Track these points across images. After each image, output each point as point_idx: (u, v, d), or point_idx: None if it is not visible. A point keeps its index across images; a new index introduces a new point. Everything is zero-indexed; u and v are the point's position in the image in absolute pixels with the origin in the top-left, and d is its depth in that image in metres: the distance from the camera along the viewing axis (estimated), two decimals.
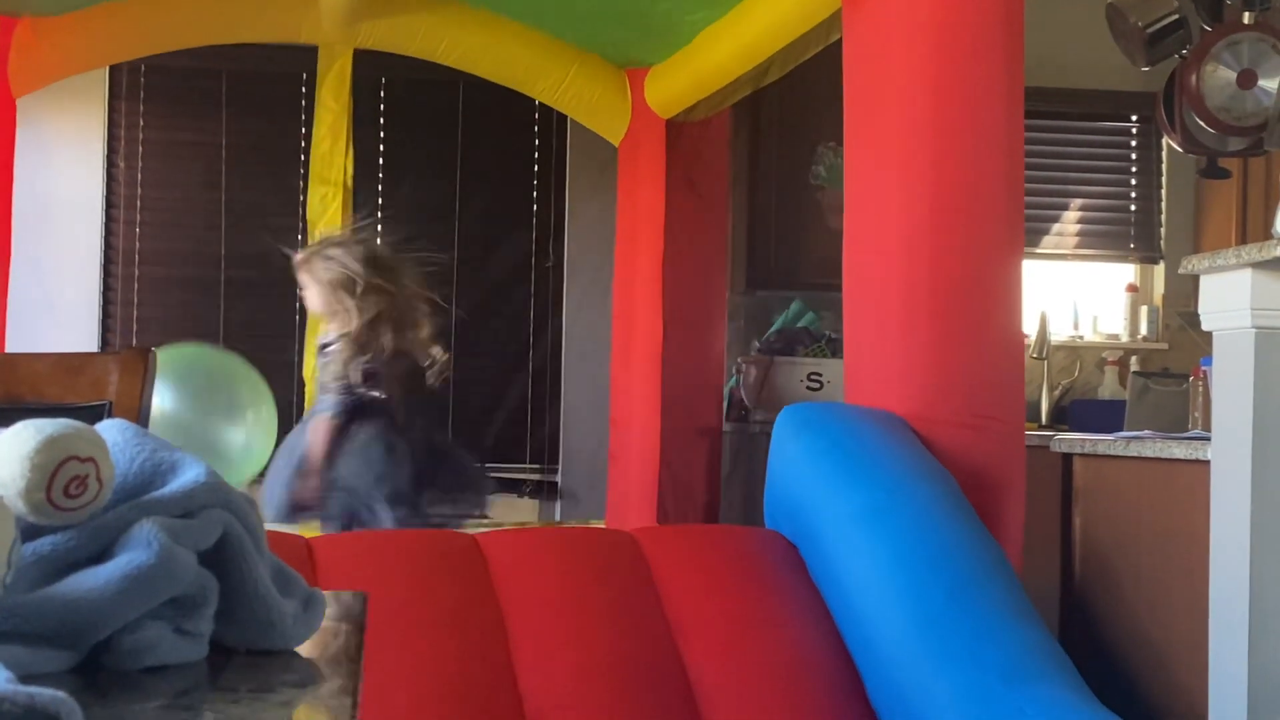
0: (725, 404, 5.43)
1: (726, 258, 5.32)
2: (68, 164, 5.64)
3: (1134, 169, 6.14)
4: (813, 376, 5.24)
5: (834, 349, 5.25)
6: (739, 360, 5.55)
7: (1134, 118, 6.09)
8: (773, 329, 5.64)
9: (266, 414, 4.65)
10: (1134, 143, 6.14)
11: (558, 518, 5.92)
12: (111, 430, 0.96)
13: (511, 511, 5.81)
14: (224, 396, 4.62)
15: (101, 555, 0.87)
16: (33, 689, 0.62)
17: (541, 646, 2.62)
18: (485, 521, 5.62)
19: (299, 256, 4.16)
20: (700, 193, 5.09)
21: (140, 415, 1.64)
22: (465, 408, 5.86)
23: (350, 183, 5.48)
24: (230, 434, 4.58)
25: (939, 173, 2.98)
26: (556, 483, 5.93)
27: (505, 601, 2.69)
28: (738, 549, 2.96)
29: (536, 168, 6.00)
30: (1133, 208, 6.13)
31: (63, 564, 0.86)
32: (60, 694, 0.63)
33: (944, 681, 2.42)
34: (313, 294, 4.12)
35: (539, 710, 2.51)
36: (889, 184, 3.07)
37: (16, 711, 0.61)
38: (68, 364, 1.68)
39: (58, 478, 0.85)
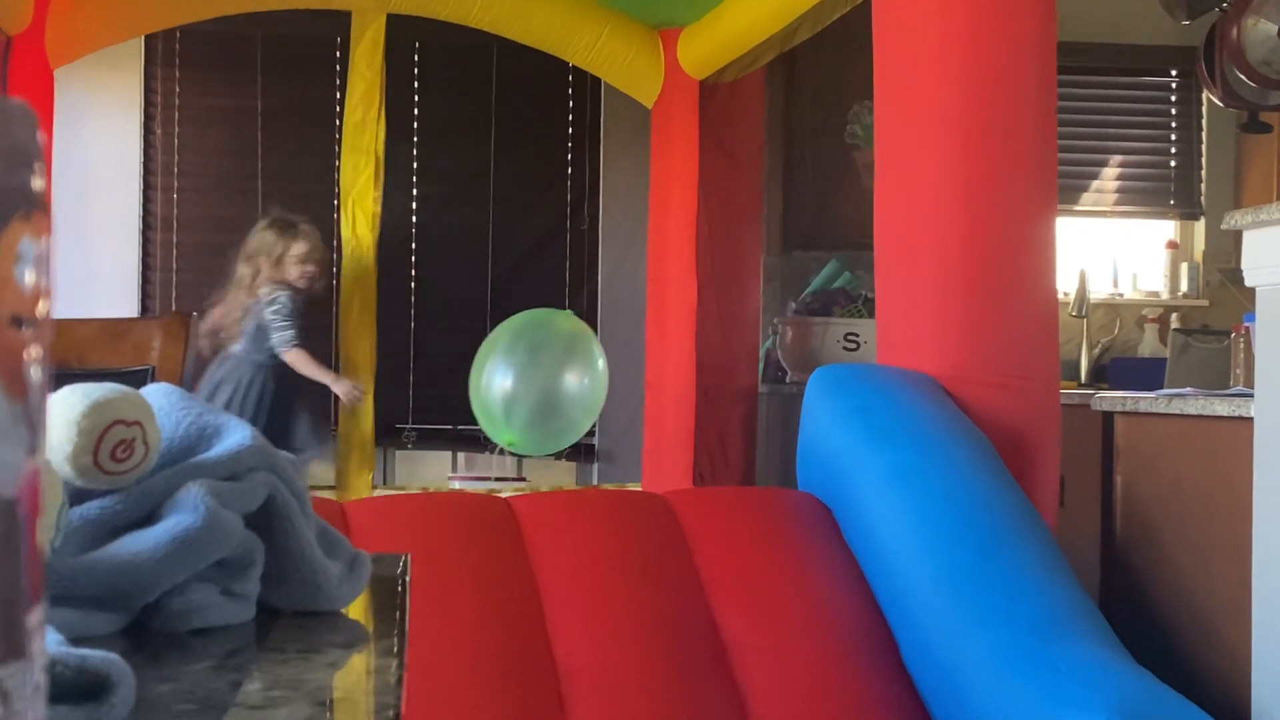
0: (761, 365, 5.42)
1: (761, 218, 5.30)
2: (105, 132, 5.66)
3: (1174, 124, 6.08)
4: (849, 337, 5.22)
5: (870, 309, 5.23)
6: (775, 321, 5.54)
7: (1174, 72, 6.03)
8: (809, 290, 5.62)
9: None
10: (1174, 98, 6.08)
11: (595, 480, 5.93)
12: (156, 394, 0.96)
13: (549, 474, 5.83)
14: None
15: (149, 518, 0.87)
16: (84, 651, 0.63)
17: (574, 608, 2.63)
18: (524, 484, 5.64)
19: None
20: (734, 153, 5.07)
21: (182, 379, 1.65)
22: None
23: (382, 151, 5.49)
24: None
25: (971, 130, 2.96)
26: (593, 445, 5.94)
27: (538, 564, 2.70)
28: (770, 510, 2.96)
29: (570, 131, 5.99)
30: (1172, 163, 6.07)
31: (110, 527, 0.87)
32: (111, 655, 0.63)
33: (976, 639, 2.42)
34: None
35: (572, 671, 2.52)
36: (920, 142, 3.05)
37: (68, 673, 0.62)
38: (110, 329, 1.69)
39: (104, 442, 0.85)
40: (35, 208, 0.34)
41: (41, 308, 0.34)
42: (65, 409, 0.85)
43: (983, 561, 2.51)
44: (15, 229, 0.34)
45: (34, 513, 0.34)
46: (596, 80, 5.68)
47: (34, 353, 0.34)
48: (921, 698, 2.58)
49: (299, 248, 4.90)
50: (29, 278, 0.34)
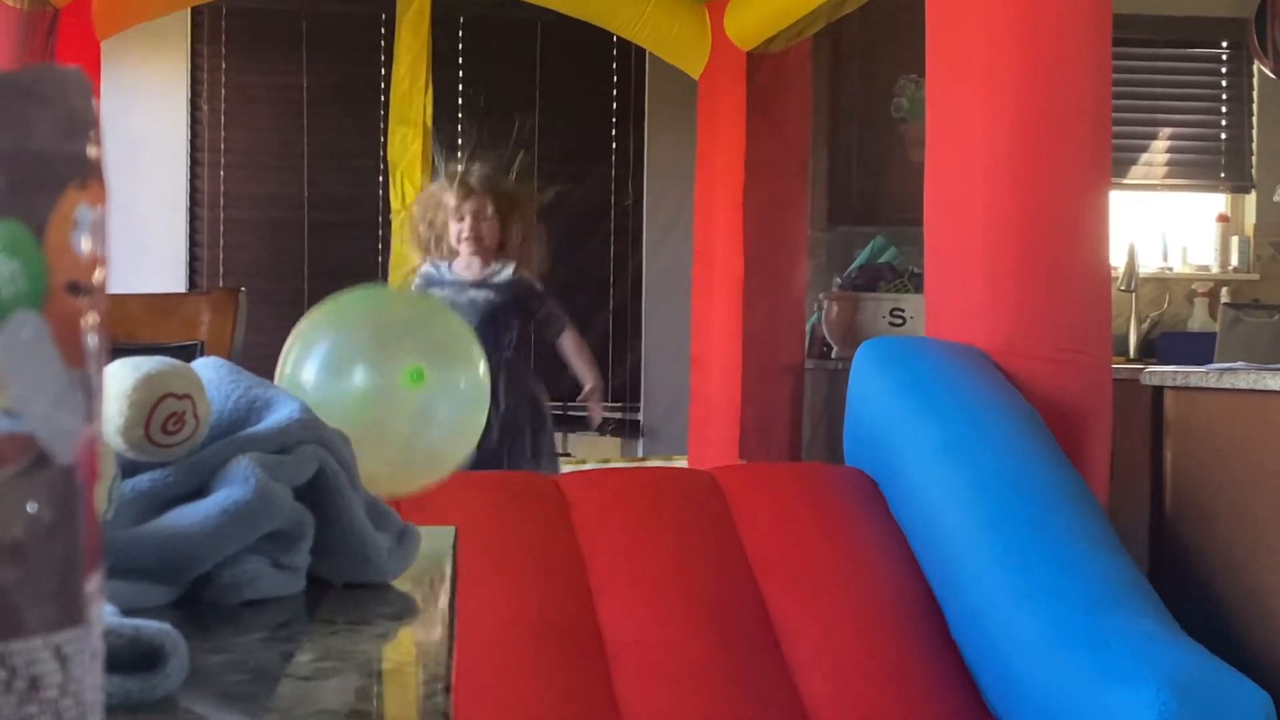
0: (807, 341, 5.40)
1: (807, 193, 5.27)
2: (152, 108, 5.70)
3: (1224, 96, 6.01)
4: (895, 313, 5.20)
5: (916, 284, 5.20)
6: (820, 296, 5.52)
7: (1224, 44, 5.95)
8: (854, 265, 5.59)
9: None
10: (1224, 69, 6.00)
11: (640, 455, 5.94)
12: (206, 368, 0.97)
13: (594, 449, 5.84)
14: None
15: (199, 491, 0.88)
16: (138, 621, 0.63)
17: (621, 584, 2.63)
18: (568, 460, 5.65)
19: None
20: (780, 126, 5.05)
21: (231, 353, 1.66)
22: (547, 347, 5.87)
23: (430, 123, 5.49)
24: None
25: (1024, 103, 2.93)
26: (639, 420, 5.94)
27: (585, 541, 2.70)
28: (817, 485, 2.95)
29: (615, 104, 5.98)
30: (1223, 136, 6.00)
31: (162, 500, 0.87)
32: (165, 626, 0.63)
33: (1027, 613, 2.41)
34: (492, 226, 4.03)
35: (619, 646, 2.53)
36: (972, 115, 3.02)
37: (122, 644, 0.62)
38: (160, 304, 1.70)
39: (155, 415, 0.86)
40: (91, 175, 0.34)
41: (98, 275, 0.34)
42: (117, 382, 0.86)
43: (1034, 535, 2.50)
44: (71, 196, 0.34)
45: (91, 479, 0.34)
46: (641, 53, 5.66)
47: (90, 320, 0.34)
48: (970, 671, 2.57)
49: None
50: (85, 245, 0.34)
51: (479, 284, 4.00)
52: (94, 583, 0.35)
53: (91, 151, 0.35)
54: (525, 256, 4.06)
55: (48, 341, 0.32)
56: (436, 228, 4.05)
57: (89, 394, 0.34)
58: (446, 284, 3.98)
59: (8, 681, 0.32)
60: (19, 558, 0.32)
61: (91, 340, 0.34)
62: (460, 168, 4.13)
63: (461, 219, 4.01)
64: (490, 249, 4.01)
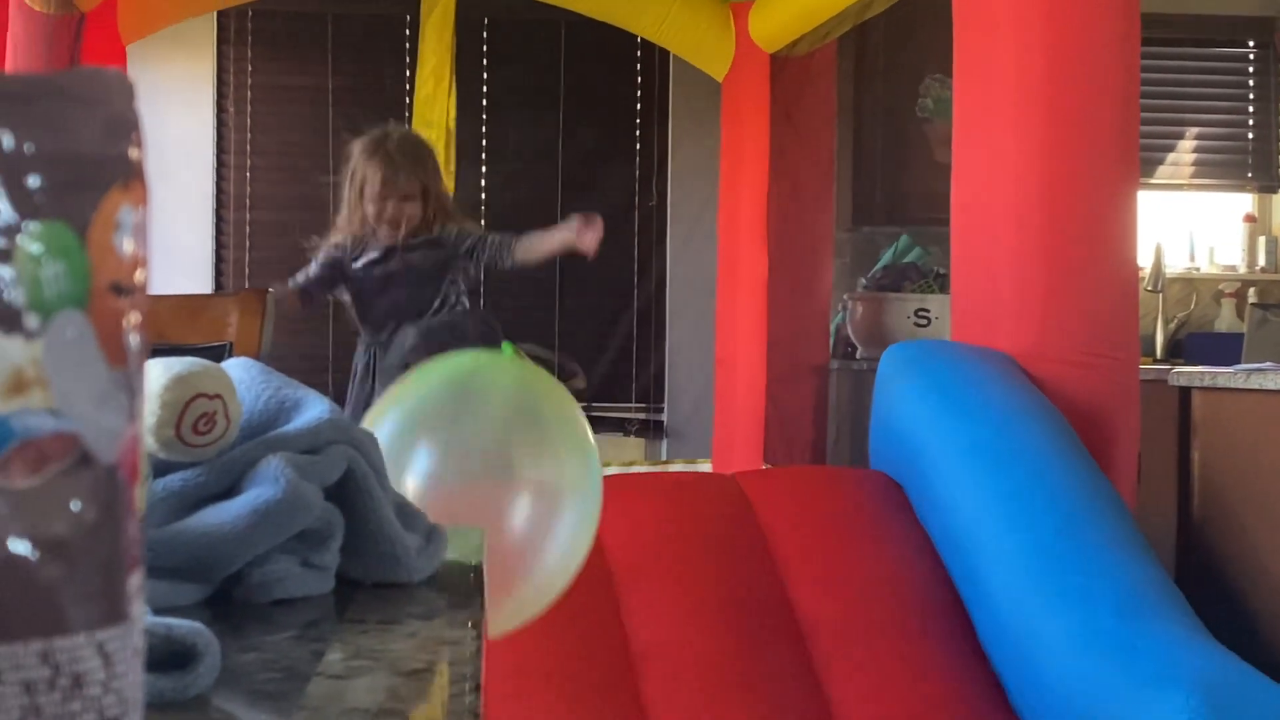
0: (832, 341, 5.39)
1: (832, 193, 5.27)
2: (178, 110, 5.72)
3: (1251, 96, 5.98)
4: (920, 313, 5.18)
5: (942, 285, 5.19)
6: (845, 297, 5.51)
7: (1251, 43, 5.92)
8: (879, 265, 5.58)
9: None
10: (1251, 69, 5.97)
11: (664, 457, 5.94)
12: (237, 368, 0.97)
13: (618, 451, 5.85)
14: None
15: (230, 491, 0.88)
16: (170, 620, 0.64)
17: (645, 589, 2.63)
18: None
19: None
20: (804, 128, 5.04)
21: (259, 354, 1.67)
22: (570, 347, 5.88)
23: (453, 125, 5.51)
24: None
25: (1052, 102, 2.92)
26: (662, 422, 5.94)
27: (608, 546, 2.70)
28: (841, 489, 2.95)
29: (639, 106, 5.98)
30: (1250, 135, 5.97)
31: (193, 499, 0.88)
32: (198, 625, 0.64)
33: (1055, 618, 2.40)
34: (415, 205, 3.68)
35: (644, 650, 2.53)
36: (1000, 115, 3.01)
37: (155, 642, 0.62)
38: (189, 305, 1.71)
39: (187, 415, 0.86)
40: (133, 177, 0.35)
41: (139, 276, 0.35)
42: (148, 382, 0.86)
43: (1062, 540, 2.49)
44: (114, 197, 0.34)
45: (134, 478, 0.35)
46: (665, 55, 5.66)
47: (133, 320, 0.34)
48: (997, 677, 2.57)
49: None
50: (128, 246, 0.34)
51: (402, 249, 3.66)
52: (135, 581, 0.35)
53: (133, 153, 0.35)
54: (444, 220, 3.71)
55: (91, 341, 0.33)
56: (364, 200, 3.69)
57: (131, 393, 0.34)
58: (361, 265, 3.67)
59: (52, 679, 0.33)
60: (63, 556, 0.32)
61: (133, 340, 0.34)
62: (384, 132, 3.78)
63: (384, 199, 3.65)
64: (408, 229, 3.66)
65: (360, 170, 3.68)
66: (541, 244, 3.74)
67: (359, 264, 3.68)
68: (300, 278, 3.72)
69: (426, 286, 3.68)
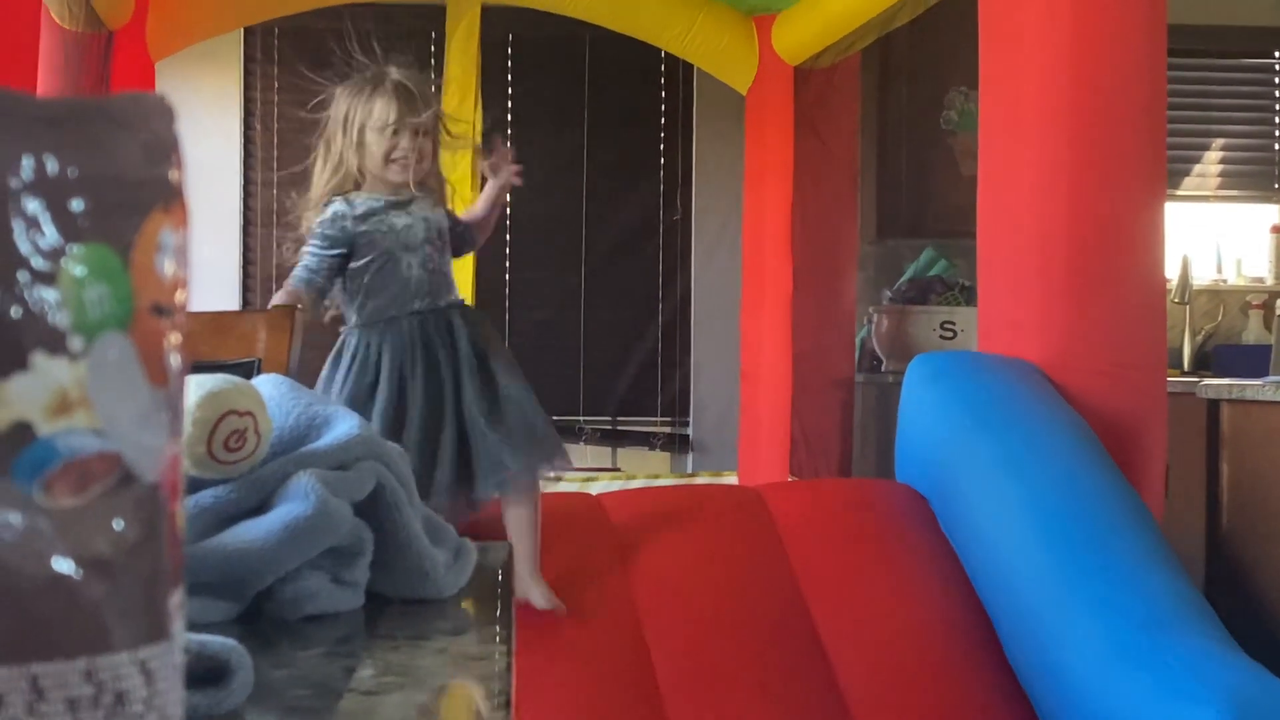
0: (857, 354, 5.39)
1: (856, 206, 5.26)
2: (206, 127, 5.75)
3: (1277, 106, 5.95)
4: (946, 325, 5.17)
5: (967, 297, 5.17)
6: (870, 310, 5.50)
7: (1277, 54, 5.89)
8: (904, 278, 5.57)
9: None
10: (1277, 79, 5.95)
11: (690, 470, 5.94)
12: (267, 385, 0.98)
13: (644, 464, 5.84)
14: None
15: (261, 507, 0.89)
16: (204, 636, 0.64)
17: (667, 603, 2.63)
18: (618, 474, 5.66)
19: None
20: (829, 140, 5.04)
21: (288, 371, 1.68)
22: (595, 361, 5.89)
23: (479, 140, 5.52)
24: None
25: (1079, 113, 2.91)
26: (688, 435, 5.94)
27: (630, 560, 2.70)
28: (866, 502, 2.94)
29: (663, 119, 5.99)
30: (1276, 146, 5.94)
31: (224, 516, 0.88)
32: (230, 641, 0.64)
33: (1083, 631, 2.39)
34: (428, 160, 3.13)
35: (667, 664, 2.53)
36: (1026, 126, 3.01)
37: (188, 659, 0.63)
38: (217, 323, 1.72)
39: (218, 432, 0.87)
40: (174, 199, 0.35)
41: (180, 296, 0.35)
42: None
43: (1090, 553, 2.47)
44: (156, 219, 0.34)
45: (174, 496, 0.35)
46: (689, 68, 5.67)
47: (173, 340, 0.35)
48: (1024, 690, 2.55)
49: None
50: (169, 267, 0.35)
51: (410, 201, 3.12)
52: (176, 598, 0.35)
53: (174, 175, 0.35)
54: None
55: (134, 362, 0.33)
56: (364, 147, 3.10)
57: (172, 413, 0.35)
58: (375, 212, 3.07)
59: (95, 697, 0.33)
60: (106, 575, 0.33)
61: (174, 360, 0.35)
62: (380, 69, 3.26)
63: (397, 134, 3.07)
64: (415, 179, 3.10)
65: (359, 109, 3.14)
66: (482, 206, 3.34)
67: (365, 223, 3.06)
68: (304, 274, 3.16)
69: (444, 253, 3.15)
